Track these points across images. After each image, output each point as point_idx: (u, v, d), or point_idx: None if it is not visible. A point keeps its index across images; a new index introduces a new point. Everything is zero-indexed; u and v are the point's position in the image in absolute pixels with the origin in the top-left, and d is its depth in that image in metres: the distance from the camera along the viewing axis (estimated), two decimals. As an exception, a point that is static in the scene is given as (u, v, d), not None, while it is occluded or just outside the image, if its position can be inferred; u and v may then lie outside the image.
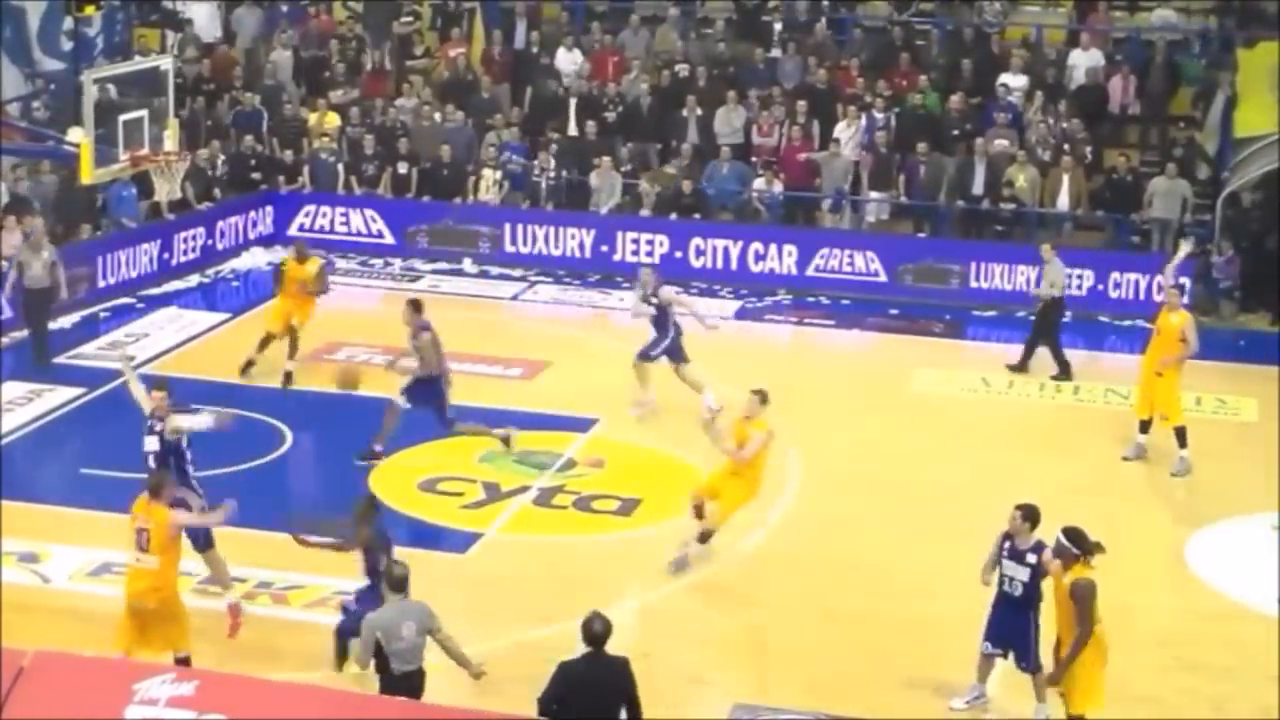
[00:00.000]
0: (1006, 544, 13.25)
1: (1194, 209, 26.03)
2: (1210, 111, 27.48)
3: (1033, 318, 22.62)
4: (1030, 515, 13.20)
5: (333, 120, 28.47)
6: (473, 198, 27.67)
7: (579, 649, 11.10)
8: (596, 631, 10.99)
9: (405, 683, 11.83)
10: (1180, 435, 18.94)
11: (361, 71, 29.82)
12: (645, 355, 20.30)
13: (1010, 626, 13.28)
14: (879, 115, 27.25)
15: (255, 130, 28.31)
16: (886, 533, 17.08)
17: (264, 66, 29.89)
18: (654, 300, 20.22)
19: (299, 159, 28.19)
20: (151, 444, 14.71)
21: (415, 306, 18.56)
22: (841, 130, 27.19)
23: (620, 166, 27.64)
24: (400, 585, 12.05)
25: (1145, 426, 19.28)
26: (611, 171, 27.23)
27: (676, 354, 20.28)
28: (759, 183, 27.05)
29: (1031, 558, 13.04)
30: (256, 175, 27.91)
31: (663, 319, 20.25)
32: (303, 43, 30.40)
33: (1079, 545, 12.45)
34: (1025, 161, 26.34)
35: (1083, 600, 12.34)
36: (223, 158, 27.53)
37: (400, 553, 16.31)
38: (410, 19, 30.76)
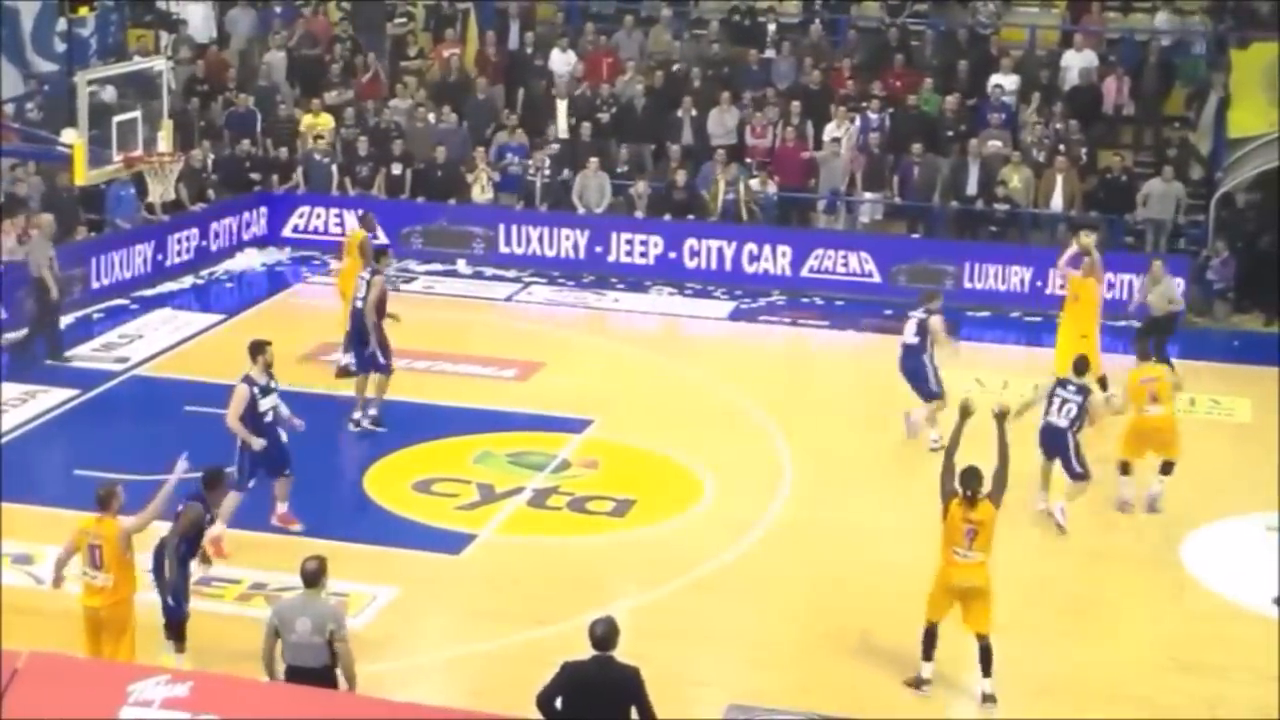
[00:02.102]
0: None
1: (1187, 210, 26.04)
2: (1204, 112, 27.50)
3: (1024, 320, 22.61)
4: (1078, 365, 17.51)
5: (326, 122, 28.44)
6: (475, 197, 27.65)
7: (581, 651, 11.05)
8: (598, 634, 10.96)
9: (298, 678, 11.73)
10: (1104, 383, 20.36)
11: (356, 73, 29.81)
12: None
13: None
14: (873, 116, 27.26)
15: (249, 131, 28.31)
16: (882, 533, 17.08)
17: (258, 67, 29.89)
18: None
19: (293, 158, 28.15)
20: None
21: None
22: (833, 131, 27.19)
23: (616, 168, 27.63)
24: (310, 579, 11.95)
25: (1104, 381, 20.42)
26: (599, 172, 27.20)
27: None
28: (753, 183, 27.02)
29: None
30: (255, 176, 27.90)
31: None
32: (296, 44, 30.38)
33: (964, 483, 13.81)
34: (1019, 162, 26.35)
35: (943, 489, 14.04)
36: (212, 157, 27.48)
37: (395, 554, 16.45)
38: (404, 20, 30.75)
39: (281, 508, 16.83)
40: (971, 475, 13.78)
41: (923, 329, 19.60)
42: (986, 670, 13.84)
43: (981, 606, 13.85)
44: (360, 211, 24.71)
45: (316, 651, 11.80)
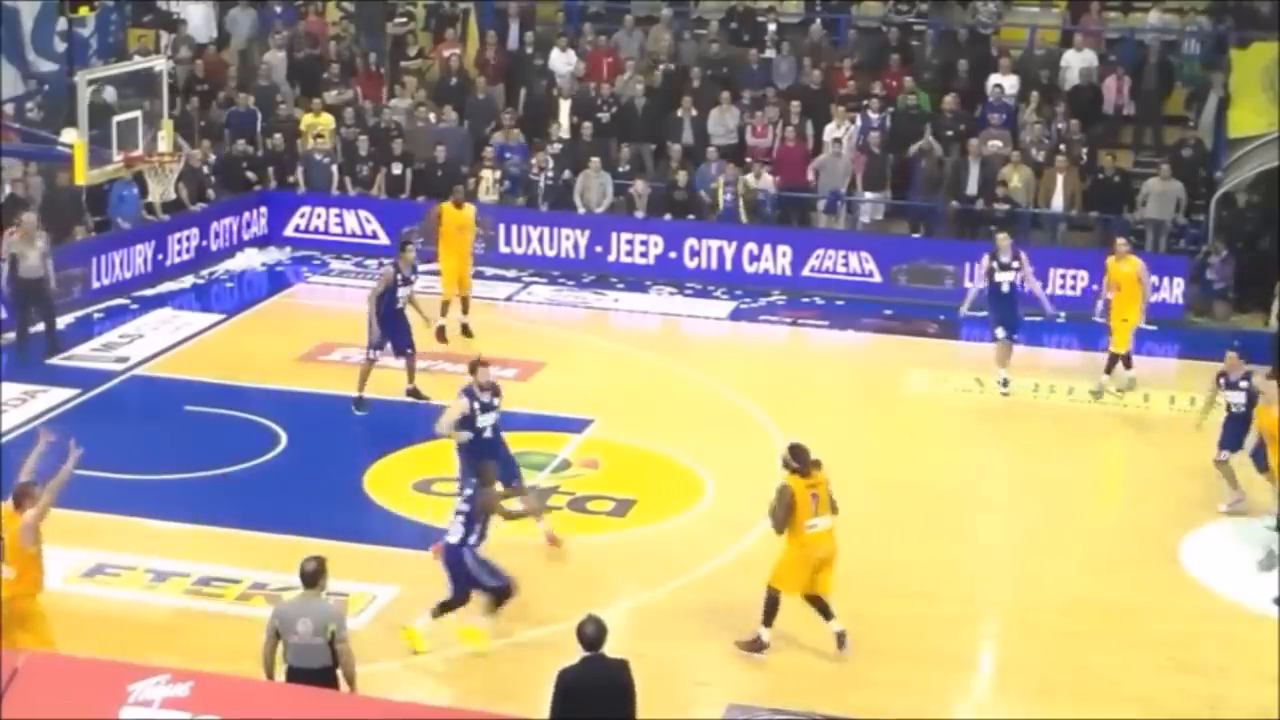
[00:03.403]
0: (1221, 380, 18.07)
1: (1187, 209, 26.02)
2: (1204, 112, 27.48)
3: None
4: (1239, 352, 18.13)
5: (327, 121, 28.41)
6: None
7: (576, 652, 11.06)
8: (589, 634, 10.97)
9: (299, 679, 11.71)
10: (1127, 360, 21.56)
11: (356, 72, 29.81)
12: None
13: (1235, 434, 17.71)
14: (874, 116, 27.25)
15: (249, 131, 28.31)
16: (881, 533, 17.07)
17: (258, 68, 29.88)
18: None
19: (292, 150, 28.07)
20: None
21: None
22: (833, 131, 27.18)
23: (617, 167, 27.61)
24: (309, 580, 11.93)
25: (1128, 361, 21.58)
26: (601, 172, 27.19)
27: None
28: (749, 178, 26.95)
29: (1244, 384, 17.76)
30: (251, 176, 27.88)
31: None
32: (296, 44, 30.37)
33: (796, 460, 14.29)
34: (1019, 162, 26.33)
35: (779, 500, 14.23)
36: (214, 158, 27.47)
37: (395, 554, 16.44)
38: (405, 20, 30.75)
39: (545, 525, 16.58)
40: (800, 451, 14.36)
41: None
42: (830, 615, 14.51)
43: (829, 572, 14.50)
44: (457, 189, 24.68)
45: (317, 652, 11.79)
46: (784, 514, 14.18)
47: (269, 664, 11.95)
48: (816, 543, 14.26)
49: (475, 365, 16.60)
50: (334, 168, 28.00)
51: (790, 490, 14.18)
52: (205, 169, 27.15)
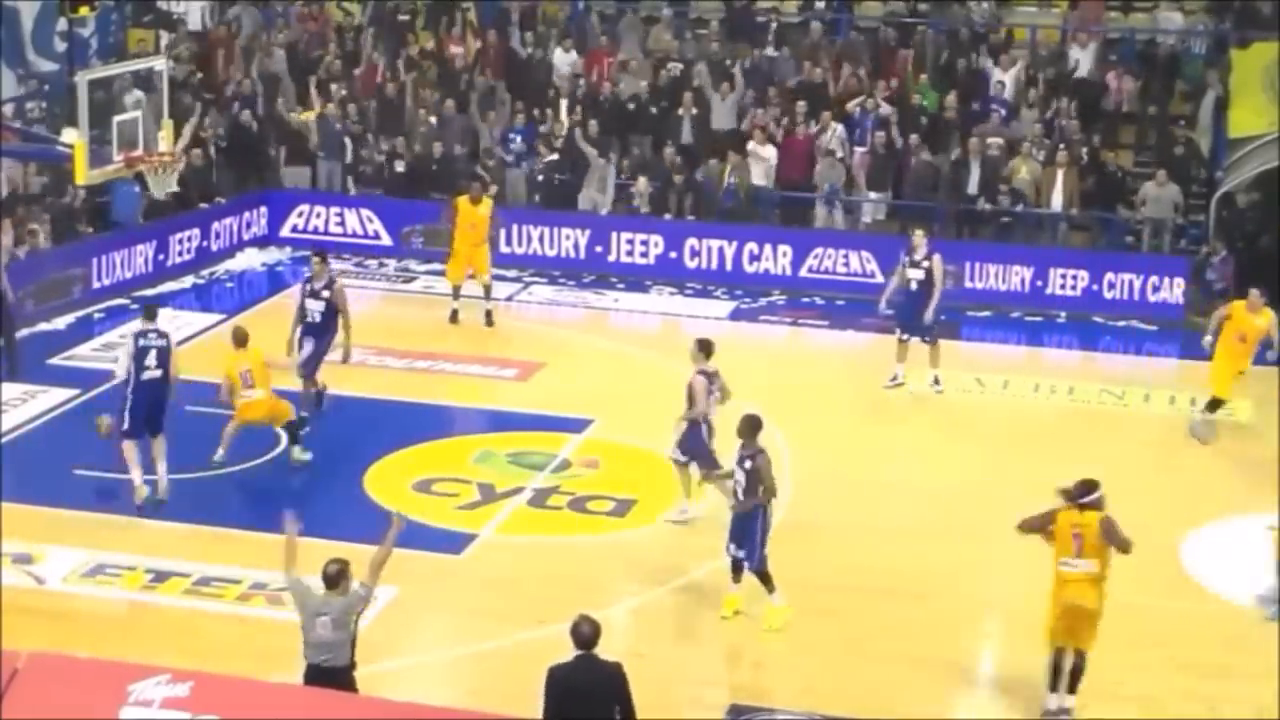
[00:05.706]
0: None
1: (1187, 209, 26.01)
2: (1200, 111, 27.48)
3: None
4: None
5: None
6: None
7: (571, 652, 11.07)
8: (585, 634, 10.99)
9: (319, 675, 11.70)
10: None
11: (358, 67, 29.79)
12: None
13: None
14: (874, 116, 27.22)
15: (251, 133, 28.32)
16: (881, 533, 17.08)
17: (260, 63, 29.86)
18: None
19: (298, 146, 28.06)
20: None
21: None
22: (834, 129, 27.15)
23: (618, 166, 27.59)
24: (331, 582, 11.91)
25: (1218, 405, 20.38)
26: (605, 173, 27.15)
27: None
28: (751, 144, 26.88)
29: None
30: (248, 168, 27.91)
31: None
32: (297, 40, 30.36)
33: (1079, 491, 13.40)
34: (1027, 155, 26.22)
35: (1112, 533, 13.41)
36: (215, 151, 27.50)
37: (395, 554, 16.33)
38: (407, 18, 30.76)
39: None
40: (1085, 484, 13.51)
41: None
42: (1075, 687, 13.67)
43: (1087, 627, 13.51)
44: (474, 184, 24.51)
45: (337, 650, 11.76)
46: (1036, 526, 13.46)
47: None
48: (1064, 584, 13.37)
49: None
50: (345, 138, 27.87)
51: (1053, 518, 13.43)
52: (211, 150, 27.12)
